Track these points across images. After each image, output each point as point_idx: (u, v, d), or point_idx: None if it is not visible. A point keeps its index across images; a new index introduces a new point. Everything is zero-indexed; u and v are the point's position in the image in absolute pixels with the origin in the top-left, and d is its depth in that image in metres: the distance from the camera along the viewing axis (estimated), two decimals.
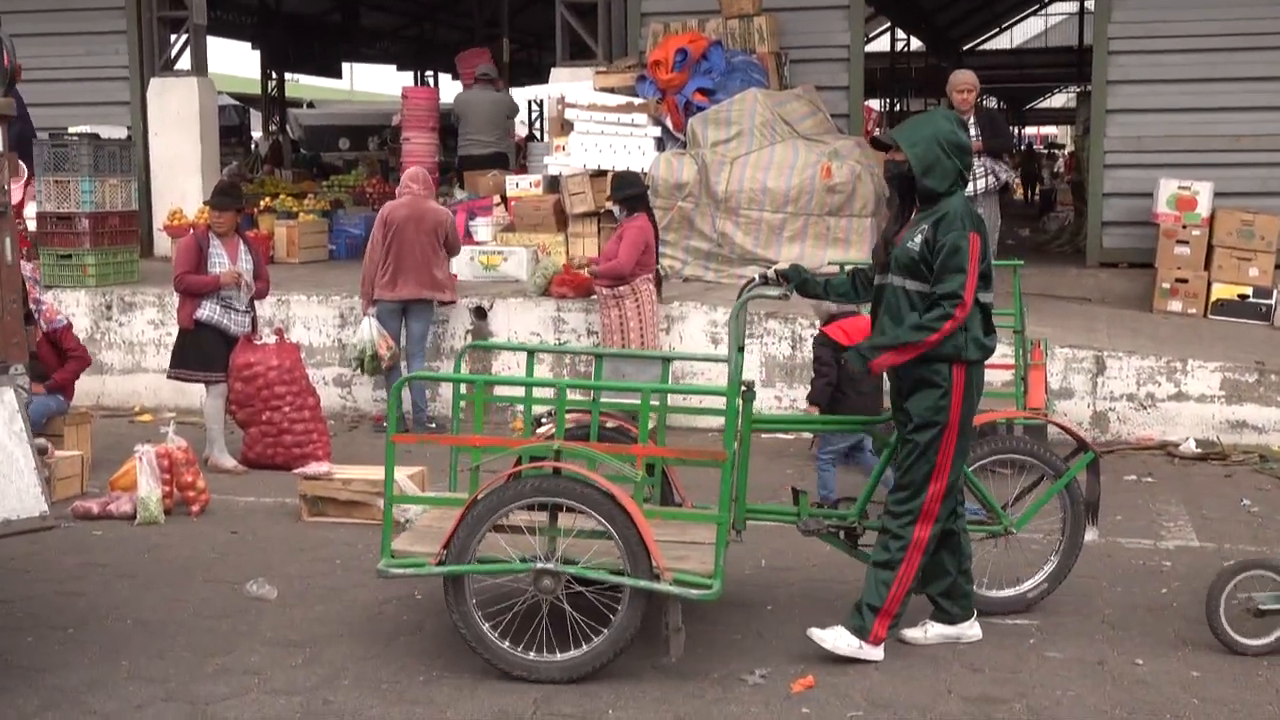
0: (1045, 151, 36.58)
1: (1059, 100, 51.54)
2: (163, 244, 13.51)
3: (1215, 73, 11.90)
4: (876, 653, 5.46)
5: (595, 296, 9.97)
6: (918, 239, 5.37)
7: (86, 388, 10.20)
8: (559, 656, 5.26)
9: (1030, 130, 46.73)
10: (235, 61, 42.41)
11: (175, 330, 9.19)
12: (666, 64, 12.01)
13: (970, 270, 5.28)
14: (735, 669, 5.41)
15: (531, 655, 5.28)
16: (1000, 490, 6.19)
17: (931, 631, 5.67)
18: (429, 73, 34.40)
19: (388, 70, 36.63)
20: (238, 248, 8.92)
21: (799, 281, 5.76)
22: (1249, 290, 11.37)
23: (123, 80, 14.35)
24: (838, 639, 5.45)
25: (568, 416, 5.59)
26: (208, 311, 8.78)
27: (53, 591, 6.40)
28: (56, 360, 8.94)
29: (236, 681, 5.27)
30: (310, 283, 11.81)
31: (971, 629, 5.70)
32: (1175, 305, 11.51)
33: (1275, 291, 11.29)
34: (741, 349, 5.85)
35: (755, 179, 11.25)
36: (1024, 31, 45.82)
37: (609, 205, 10.28)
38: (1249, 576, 5.60)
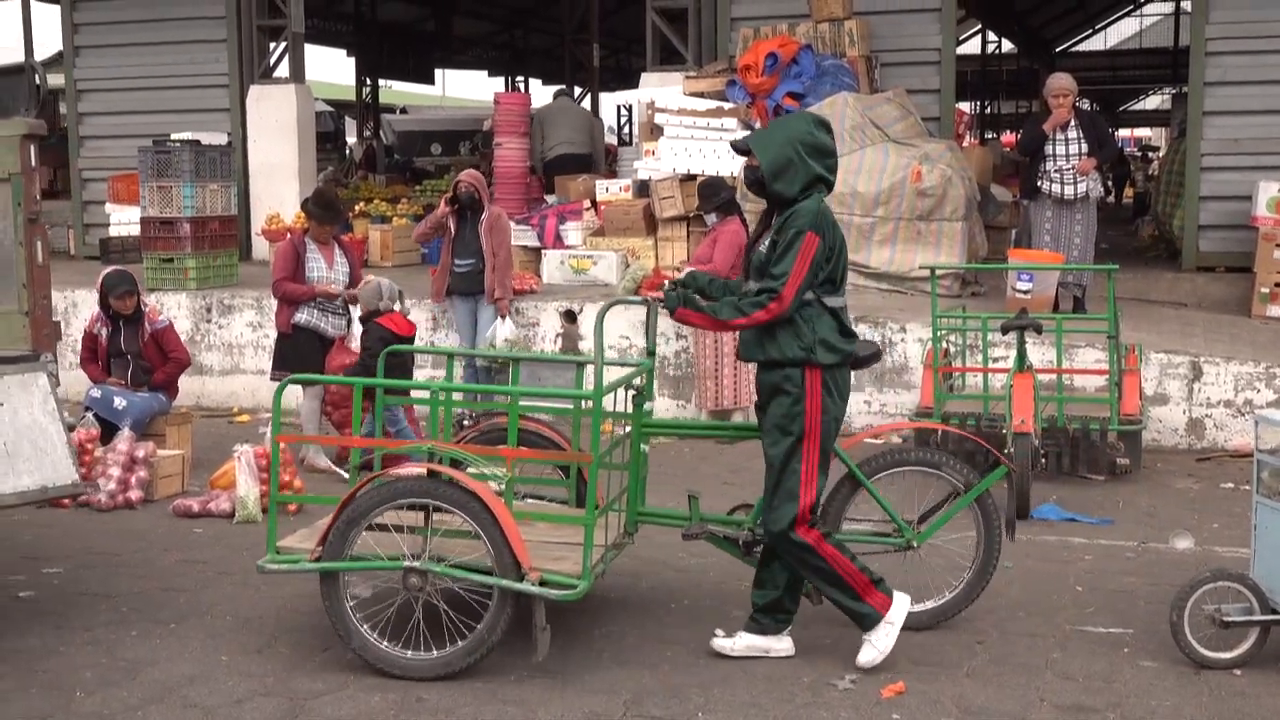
0: (1140, 154, 35.96)
1: (1152, 102, 50.65)
2: (261, 248, 13.75)
3: None
4: (900, 607, 5.43)
5: None
6: (768, 240, 5.30)
7: (187, 388, 10.41)
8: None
9: (1124, 132, 45.99)
10: (331, 69, 43.12)
11: (273, 333, 9.34)
12: (756, 68, 11.99)
13: (798, 268, 5.15)
14: (825, 674, 5.38)
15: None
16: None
17: (740, 642, 5.54)
18: (519, 78, 34.65)
19: (479, 76, 37.02)
20: (334, 253, 9.06)
21: (696, 289, 5.68)
22: None
23: (223, 88, 14.60)
24: (876, 640, 5.38)
25: (495, 420, 5.70)
26: (305, 315, 8.94)
27: (156, 588, 6.54)
28: (161, 360, 9.14)
29: (333, 678, 5.35)
30: (403, 285, 11.90)
31: (781, 643, 5.54)
32: (1275, 310, 11.26)
33: None
34: (651, 353, 5.98)
35: (845, 182, 11.17)
36: (1118, 32, 45.13)
37: (703, 210, 10.30)
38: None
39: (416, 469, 5.49)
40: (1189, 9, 13.48)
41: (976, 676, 5.37)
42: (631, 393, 5.85)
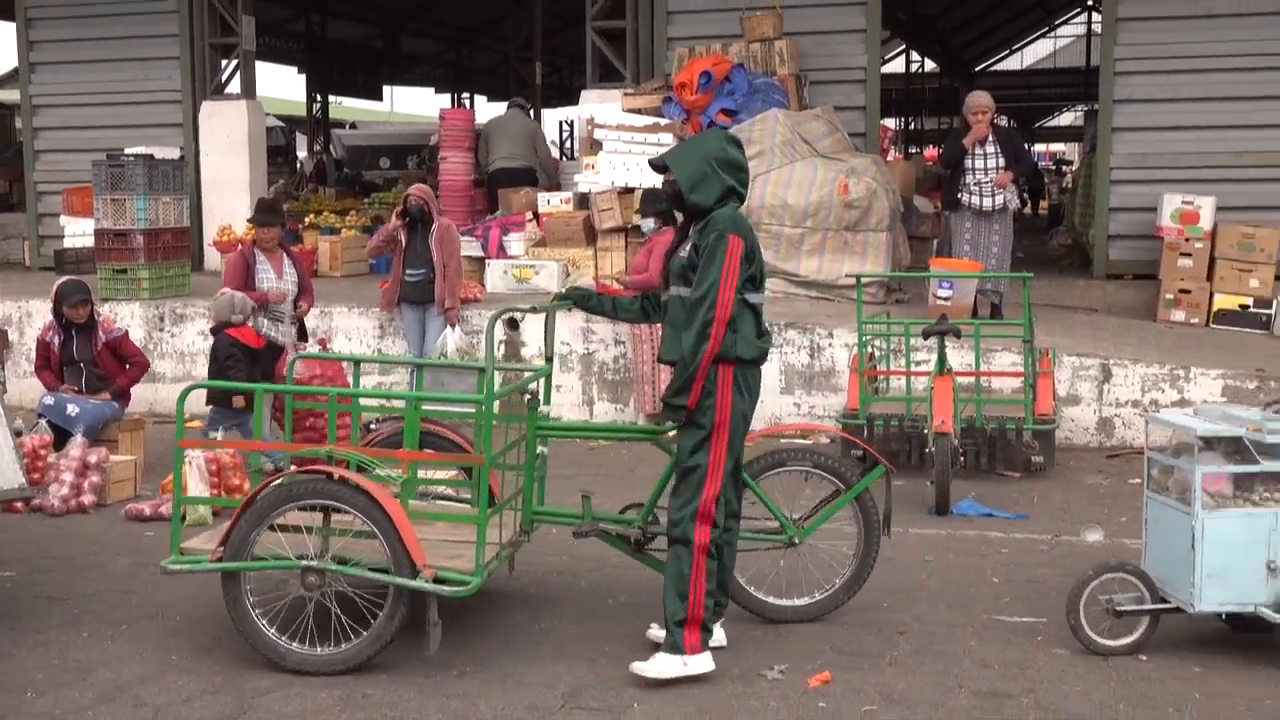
0: (1054, 168, 36.36)
1: (1066, 119, 51.26)
2: (213, 259, 13.58)
3: (1217, 92, 11.82)
4: (703, 662, 5.21)
5: None
6: (688, 247, 5.30)
7: (140, 395, 10.25)
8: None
9: (1040, 147, 46.50)
10: (282, 85, 42.69)
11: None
12: (691, 86, 12.01)
13: (727, 271, 5.14)
14: (755, 665, 5.38)
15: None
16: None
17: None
18: (465, 95, 34.53)
19: (426, 92, 36.78)
20: (282, 262, 8.96)
21: (579, 297, 5.81)
22: (1249, 301, 11.28)
23: (176, 103, 14.45)
24: (661, 665, 5.18)
25: (398, 424, 5.69)
26: (253, 324, 8.83)
27: (108, 590, 6.43)
28: (117, 368, 9.00)
29: (280, 675, 5.27)
30: (352, 295, 11.86)
31: (715, 633, 5.43)
32: (1179, 315, 11.42)
33: (1275, 302, 11.19)
34: (550, 359, 6.01)
35: (776, 195, 11.23)
36: (1034, 53, 45.63)
37: (638, 221, 10.31)
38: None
39: (315, 471, 5.45)
40: (1099, 31, 13.62)
41: (898, 665, 5.39)
42: (527, 397, 5.82)
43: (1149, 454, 5.66)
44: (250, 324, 8.86)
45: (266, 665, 5.35)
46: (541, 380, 5.99)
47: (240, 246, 9.81)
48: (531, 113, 14.98)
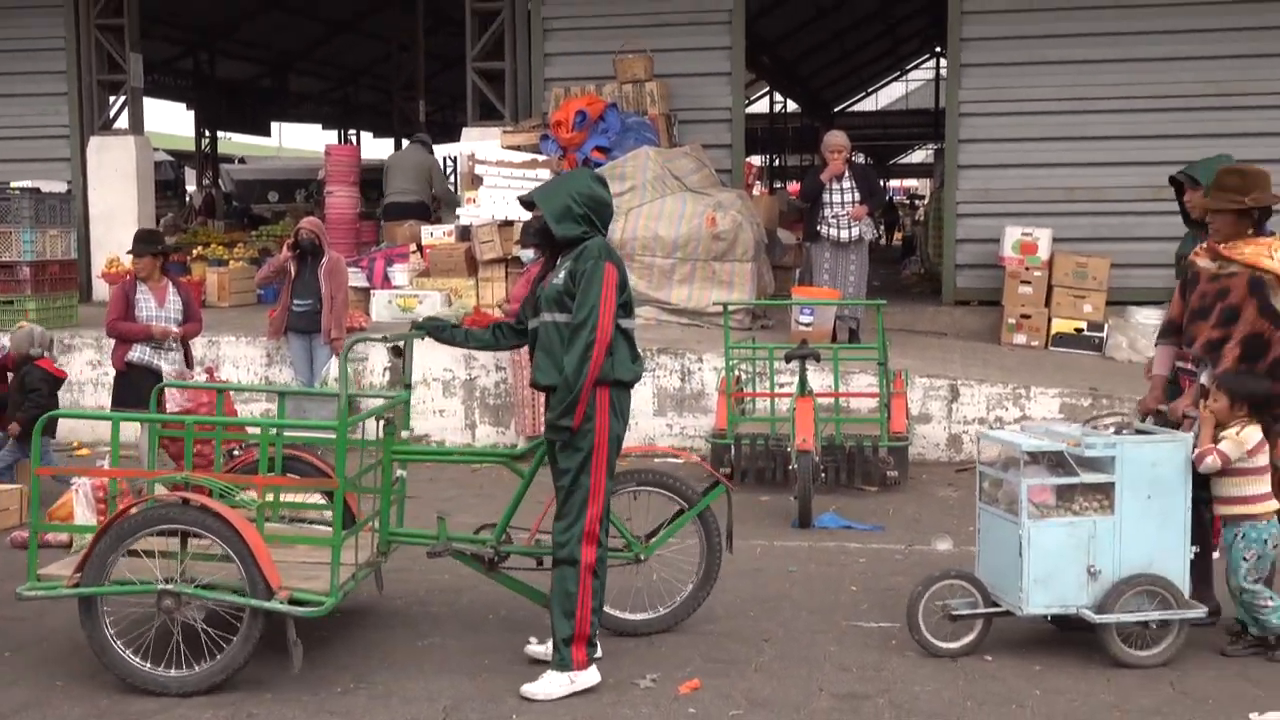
0: (908, 202, 37.19)
1: (918, 156, 52.47)
2: (101, 290, 13.21)
3: (1052, 132, 12.19)
4: (590, 676, 5.21)
5: None
6: (562, 275, 5.29)
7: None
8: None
9: (894, 183, 47.50)
10: (172, 120, 41.77)
11: (112, 370, 8.99)
12: (567, 124, 12.04)
13: (605, 297, 5.17)
14: (629, 674, 5.38)
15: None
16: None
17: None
18: (352, 131, 34.16)
19: (314, 129, 36.25)
20: (166, 292, 8.74)
21: (431, 328, 5.77)
22: (1084, 325, 11.64)
23: (64, 139, 14.06)
24: (549, 686, 5.14)
25: (261, 449, 5.61)
26: (138, 353, 8.63)
27: None
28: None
29: (166, 698, 5.12)
30: (239, 325, 11.63)
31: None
32: (1020, 338, 11.75)
33: (1106, 325, 11.57)
34: (409, 386, 6.00)
35: (648, 228, 11.30)
36: (888, 95, 46.71)
37: (517, 251, 10.29)
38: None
39: (172, 497, 5.34)
40: (946, 76, 13.99)
41: (764, 671, 5.44)
42: (383, 421, 5.75)
43: (980, 468, 5.80)
44: (47, 355, 8.86)
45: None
46: (397, 407, 5.90)
47: (126, 278, 9.56)
48: (433, 148, 14.82)
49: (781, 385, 9.42)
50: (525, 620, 6.02)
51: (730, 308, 9.54)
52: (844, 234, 10.76)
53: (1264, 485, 5.52)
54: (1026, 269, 11.77)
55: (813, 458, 8.01)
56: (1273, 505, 5.54)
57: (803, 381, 8.49)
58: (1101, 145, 12.09)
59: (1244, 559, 5.49)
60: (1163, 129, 11.94)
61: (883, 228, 26.75)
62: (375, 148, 34.91)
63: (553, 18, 13.18)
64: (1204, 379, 5.65)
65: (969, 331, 12.20)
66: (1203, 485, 5.55)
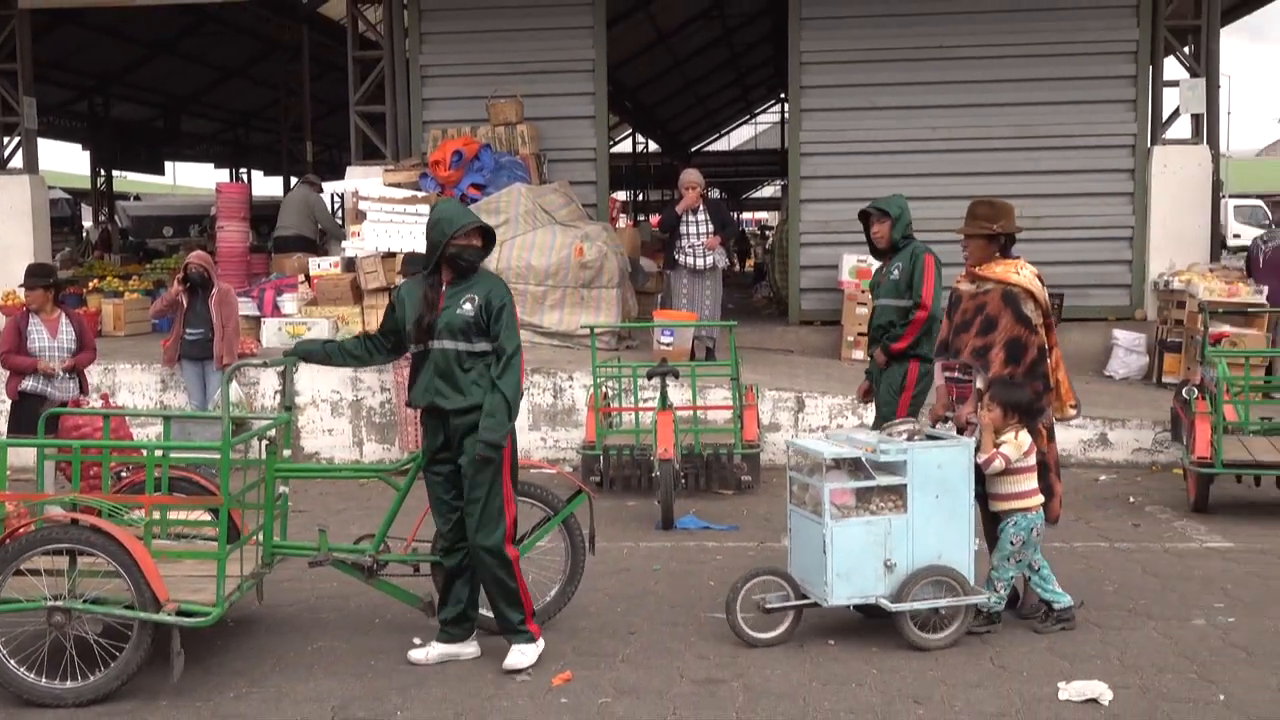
0: (759, 232, 37.72)
1: (768, 191, 53.33)
2: None
3: (883, 170, 12.46)
4: (541, 640, 5.44)
5: None
6: (467, 306, 5.28)
7: None
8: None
9: (747, 215, 48.21)
10: (68, 159, 40.29)
11: (7, 400, 8.64)
12: (444, 163, 11.95)
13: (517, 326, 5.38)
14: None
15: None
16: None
17: (434, 651, 5.46)
18: (243, 170, 33.39)
19: (206, 167, 35.38)
20: (59, 324, 8.43)
21: (303, 352, 5.74)
22: None
23: None
24: (523, 656, 5.32)
25: (148, 470, 5.45)
26: (30, 383, 8.31)
27: None
28: None
29: (62, 710, 4.93)
30: (134, 353, 11.26)
31: (469, 647, 5.52)
32: (858, 354, 11.96)
33: None
34: (289, 408, 5.97)
35: (521, 258, 11.27)
36: (739, 136, 47.46)
37: (400, 281, 10.16)
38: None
39: (62, 517, 5.17)
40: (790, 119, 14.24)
41: (630, 662, 5.45)
42: (265, 441, 5.68)
43: (790, 474, 5.82)
44: None
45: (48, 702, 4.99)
46: (278, 428, 5.79)
47: (21, 310, 9.20)
48: (322, 187, 14.57)
49: (645, 400, 9.48)
50: (409, 623, 5.94)
51: (597, 330, 9.57)
52: (700, 262, 10.87)
53: (1033, 481, 5.79)
54: (862, 292, 11.98)
55: (673, 465, 8.07)
56: (1039, 499, 5.80)
57: (664, 396, 8.54)
58: (926, 181, 12.39)
59: (1010, 543, 5.73)
60: (979, 167, 12.32)
61: (736, 256, 27.06)
62: (266, 185, 34.10)
63: (430, 65, 13.09)
64: (979, 383, 5.88)
65: (813, 348, 12.40)
66: (979, 482, 5.73)
